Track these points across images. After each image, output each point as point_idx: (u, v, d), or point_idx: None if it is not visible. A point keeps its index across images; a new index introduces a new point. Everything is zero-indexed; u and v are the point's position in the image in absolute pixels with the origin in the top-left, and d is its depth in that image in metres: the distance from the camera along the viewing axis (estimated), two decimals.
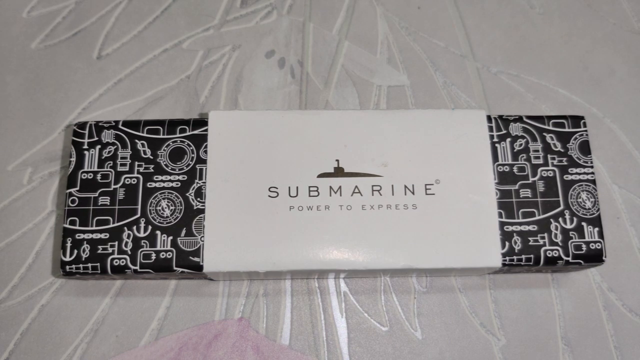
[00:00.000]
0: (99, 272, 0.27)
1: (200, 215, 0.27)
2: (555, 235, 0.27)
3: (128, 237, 0.27)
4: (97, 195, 0.27)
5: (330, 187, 0.27)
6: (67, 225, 0.27)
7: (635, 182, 0.32)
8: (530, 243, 0.27)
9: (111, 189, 0.27)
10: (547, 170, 0.28)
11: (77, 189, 0.27)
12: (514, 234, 0.27)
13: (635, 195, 0.32)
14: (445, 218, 0.27)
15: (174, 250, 0.27)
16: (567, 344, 0.30)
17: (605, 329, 0.30)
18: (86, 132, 0.28)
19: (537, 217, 0.28)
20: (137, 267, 0.26)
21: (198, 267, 0.26)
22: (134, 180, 0.28)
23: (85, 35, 0.34)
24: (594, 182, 0.28)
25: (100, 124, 0.28)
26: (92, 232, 0.27)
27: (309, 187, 0.27)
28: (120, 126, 0.28)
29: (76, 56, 0.34)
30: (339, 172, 0.28)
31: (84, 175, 0.28)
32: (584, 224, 0.28)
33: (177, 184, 0.28)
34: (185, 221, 0.27)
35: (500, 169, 0.28)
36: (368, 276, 0.30)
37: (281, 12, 0.35)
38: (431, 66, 0.34)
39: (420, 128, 0.28)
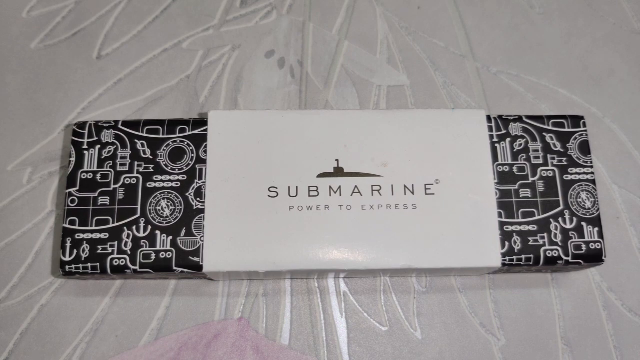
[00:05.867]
0: (99, 272, 0.27)
1: (200, 215, 0.27)
2: (555, 235, 0.27)
3: (128, 237, 0.27)
4: (96, 195, 0.27)
5: (330, 187, 0.27)
6: (67, 225, 0.27)
7: (635, 182, 0.32)
8: (530, 243, 0.27)
9: (111, 188, 0.27)
10: (547, 170, 0.28)
11: (77, 188, 0.27)
12: (514, 234, 0.27)
13: (635, 195, 0.32)
14: (445, 218, 0.27)
15: (174, 250, 0.27)
16: (567, 344, 0.30)
17: (605, 329, 0.30)
18: (86, 132, 0.28)
19: (536, 217, 0.28)
20: (137, 267, 0.26)
21: (198, 267, 0.26)
22: (133, 180, 0.28)
23: (85, 35, 0.34)
24: (593, 182, 0.28)
25: (100, 123, 0.28)
26: (92, 232, 0.27)
27: (309, 187, 0.27)
28: (120, 126, 0.28)
29: (76, 56, 0.34)
30: (338, 172, 0.28)
31: (84, 175, 0.28)
32: (583, 224, 0.28)
33: (176, 184, 0.28)
34: (185, 221, 0.27)
35: (500, 169, 0.28)
36: (368, 276, 0.30)
37: (281, 12, 0.35)
38: (431, 66, 0.34)
39: (420, 128, 0.28)
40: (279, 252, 0.26)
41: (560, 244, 0.27)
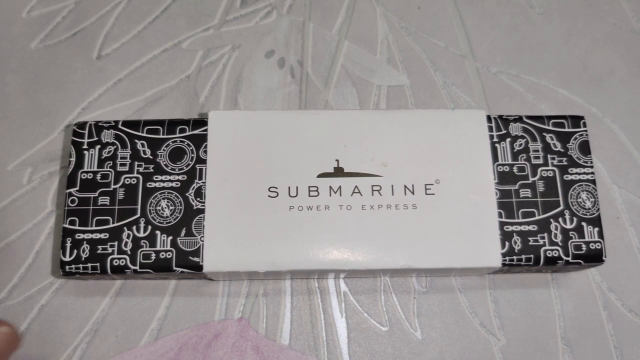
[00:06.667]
0: (99, 272, 0.27)
1: (200, 215, 0.27)
2: (555, 235, 0.27)
3: (128, 237, 0.27)
4: (96, 195, 0.27)
5: (330, 187, 0.27)
6: (67, 225, 0.27)
7: (635, 182, 0.32)
8: (530, 243, 0.27)
9: (111, 189, 0.27)
10: (547, 170, 0.28)
11: (77, 188, 0.27)
12: (514, 234, 0.27)
13: (635, 195, 0.32)
14: (445, 218, 0.27)
15: (174, 250, 0.27)
16: (567, 344, 0.30)
17: (605, 329, 0.30)
18: (86, 132, 0.28)
19: (537, 217, 0.28)
20: (137, 267, 0.26)
21: (198, 267, 0.26)
22: (133, 180, 0.28)
23: (85, 35, 0.34)
24: (593, 182, 0.28)
25: (100, 124, 0.28)
26: (92, 232, 0.27)
27: (309, 187, 0.27)
28: (120, 126, 0.28)
29: (76, 56, 0.34)
30: (338, 172, 0.28)
31: (84, 175, 0.28)
32: (583, 224, 0.28)
33: (176, 184, 0.28)
34: (185, 221, 0.27)
35: (500, 169, 0.28)
36: (368, 276, 0.30)
37: (281, 12, 0.35)
38: (431, 66, 0.34)
39: (420, 128, 0.28)
40: (279, 252, 0.26)
41: (560, 244, 0.27)
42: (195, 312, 0.30)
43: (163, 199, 0.27)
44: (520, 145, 0.29)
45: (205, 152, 0.28)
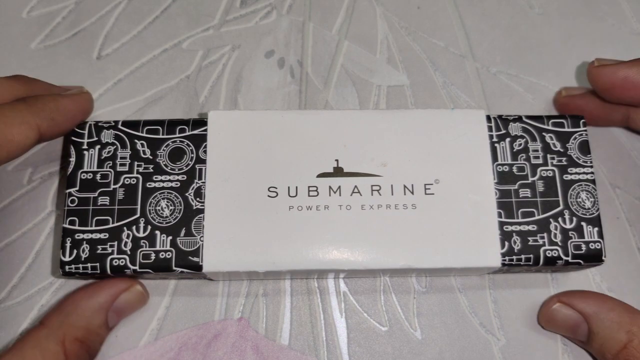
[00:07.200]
0: (99, 272, 0.27)
1: (200, 215, 0.27)
2: (555, 235, 0.27)
3: (127, 237, 0.27)
4: (96, 195, 0.27)
5: (330, 187, 0.27)
6: (67, 225, 0.27)
7: (635, 182, 0.32)
8: (529, 243, 0.27)
9: (111, 189, 0.28)
10: (547, 170, 0.28)
11: (77, 189, 0.27)
12: (514, 234, 0.27)
13: (634, 195, 0.32)
14: (445, 218, 0.27)
15: (174, 250, 0.27)
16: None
17: None
18: (86, 132, 0.28)
19: (536, 217, 0.28)
20: (137, 267, 0.26)
21: (197, 267, 0.26)
22: (133, 180, 0.28)
23: (85, 35, 0.34)
24: (593, 182, 0.28)
25: (99, 124, 0.28)
26: (92, 232, 0.27)
27: (309, 187, 0.27)
28: (119, 126, 0.28)
29: (76, 56, 0.34)
30: (338, 172, 0.28)
31: (84, 175, 0.28)
32: (583, 223, 0.28)
33: (176, 184, 0.28)
34: (184, 221, 0.27)
35: (499, 168, 0.28)
36: (368, 276, 0.30)
37: (281, 12, 0.35)
38: (431, 66, 0.34)
39: (419, 128, 0.28)
40: (279, 252, 0.26)
41: (560, 243, 0.27)
42: (195, 312, 0.30)
43: (163, 199, 0.27)
44: (520, 145, 0.29)
45: (205, 152, 0.28)
